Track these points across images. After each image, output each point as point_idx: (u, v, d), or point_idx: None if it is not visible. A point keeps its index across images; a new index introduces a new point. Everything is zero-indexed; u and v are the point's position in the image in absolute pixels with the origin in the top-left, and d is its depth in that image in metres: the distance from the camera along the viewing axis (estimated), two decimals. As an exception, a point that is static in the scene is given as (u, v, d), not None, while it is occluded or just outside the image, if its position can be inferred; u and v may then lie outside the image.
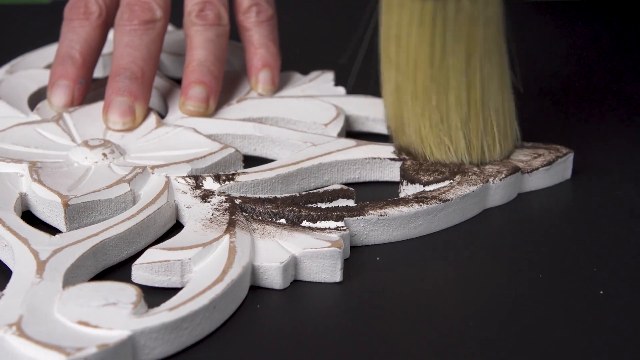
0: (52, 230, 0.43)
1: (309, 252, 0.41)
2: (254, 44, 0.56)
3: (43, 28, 0.74)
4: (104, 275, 0.42)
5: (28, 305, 0.37)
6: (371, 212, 0.44)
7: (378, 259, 0.44)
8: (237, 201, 0.45)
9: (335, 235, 0.42)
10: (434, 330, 0.39)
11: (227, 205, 0.44)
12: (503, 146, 0.49)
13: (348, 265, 0.43)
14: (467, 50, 0.45)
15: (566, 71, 0.65)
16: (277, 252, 0.41)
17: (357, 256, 0.44)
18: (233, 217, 0.43)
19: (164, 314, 0.37)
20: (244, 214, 0.44)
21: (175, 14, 0.56)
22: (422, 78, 0.46)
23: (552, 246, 0.45)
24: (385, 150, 0.50)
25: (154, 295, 0.40)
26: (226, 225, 0.43)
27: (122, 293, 0.37)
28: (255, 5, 0.56)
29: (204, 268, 0.40)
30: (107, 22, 0.55)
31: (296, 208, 0.44)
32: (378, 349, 0.38)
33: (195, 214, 0.44)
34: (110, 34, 0.58)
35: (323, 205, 0.45)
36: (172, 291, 0.40)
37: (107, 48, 0.60)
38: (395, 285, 0.42)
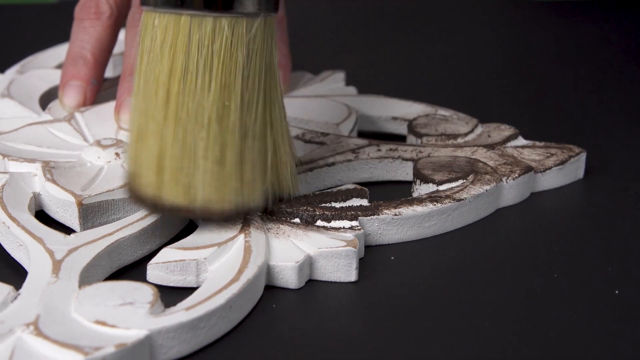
0: (65, 230, 0.43)
1: (324, 252, 0.41)
2: None
3: (51, 28, 0.74)
4: (118, 275, 0.42)
5: (45, 305, 0.37)
6: (385, 211, 0.44)
7: (392, 258, 0.44)
8: (251, 201, 0.44)
9: (350, 235, 0.42)
10: (450, 329, 0.39)
11: (241, 204, 0.44)
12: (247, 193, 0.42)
13: (362, 264, 0.43)
14: (223, 79, 0.40)
15: (576, 70, 0.65)
16: (292, 251, 0.41)
17: (371, 256, 0.44)
18: (247, 216, 0.43)
19: (180, 313, 0.37)
20: (258, 213, 0.44)
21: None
22: (171, 107, 0.40)
23: (566, 246, 0.45)
24: (399, 149, 0.50)
25: (169, 295, 0.40)
26: (241, 224, 0.43)
27: (139, 292, 0.37)
28: None
29: (219, 267, 0.40)
30: (118, 22, 0.55)
31: (310, 207, 0.44)
32: (394, 348, 0.38)
33: (210, 213, 0.44)
34: (121, 34, 0.58)
35: (337, 205, 0.45)
36: (186, 291, 0.40)
37: (117, 48, 0.60)
38: (410, 285, 0.42)
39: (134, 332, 0.36)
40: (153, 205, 0.41)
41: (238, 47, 0.39)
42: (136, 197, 0.42)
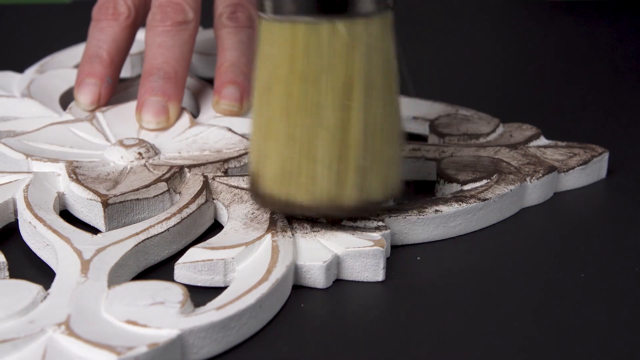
0: (90, 230, 0.43)
1: (352, 251, 0.41)
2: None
3: (65, 27, 0.74)
4: (145, 274, 0.42)
5: (75, 305, 0.37)
6: (411, 211, 0.44)
7: (419, 258, 0.43)
8: (277, 200, 0.44)
9: (377, 234, 0.42)
10: (478, 329, 0.39)
11: (266, 204, 0.44)
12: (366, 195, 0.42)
13: (389, 264, 0.42)
14: (343, 80, 0.40)
15: (595, 70, 0.65)
16: (319, 251, 0.41)
17: (397, 255, 0.43)
18: (273, 216, 0.43)
19: (211, 313, 0.37)
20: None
21: (203, 14, 0.56)
22: (292, 110, 0.40)
23: (592, 246, 0.45)
24: (422, 149, 0.50)
25: (195, 294, 0.39)
26: (267, 224, 0.43)
27: (169, 292, 0.37)
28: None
29: (247, 267, 0.40)
30: (136, 23, 0.55)
31: (336, 207, 0.44)
32: (422, 347, 0.38)
33: (235, 213, 0.44)
34: (140, 34, 0.58)
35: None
36: (213, 290, 0.40)
37: (135, 48, 0.60)
38: (437, 285, 0.42)
39: (165, 332, 0.35)
40: (277, 205, 0.42)
41: (356, 48, 0.39)
42: (260, 196, 0.42)
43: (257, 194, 0.43)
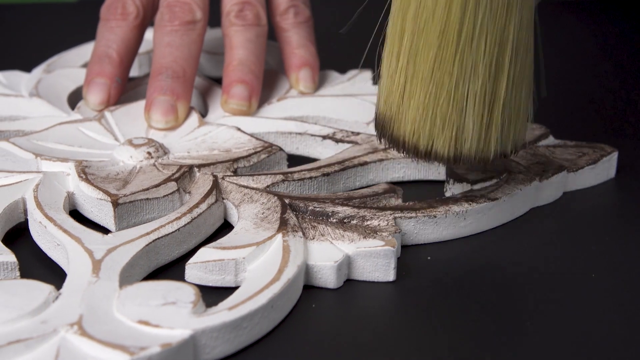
0: (99, 229, 0.43)
1: (363, 251, 0.41)
2: (292, 44, 0.56)
3: (71, 27, 0.74)
4: (155, 274, 0.42)
5: (87, 305, 0.37)
6: (421, 211, 0.44)
7: (429, 258, 0.43)
8: (287, 200, 0.44)
9: (387, 234, 0.42)
10: (490, 329, 0.39)
11: (276, 204, 0.44)
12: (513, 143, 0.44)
13: (399, 264, 0.42)
14: (499, 36, 0.41)
15: (602, 69, 0.65)
16: (330, 251, 0.41)
17: (407, 255, 0.43)
18: (284, 216, 0.43)
19: (224, 313, 0.37)
20: (294, 212, 0.44)
21: (210, 13, 0.56)
22: (444, 60, 0.41)
23: (602, 245, 0.45)
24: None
25: (205, 294, 0.39)
26: (277, 224, 0.43)
27: (181, 292, 0.37)
28: (292, 7, 0.56)
29: (258, 267, 0.40)
30: (144, 22, 0.55)
31: (346, 207, 0.44)
32: (433, 347, 0.38)
33: (245, 213, 0.44)
34: (148, 34, 0.58)
35: (371, 204, 0.45)
36: (222, 290, 0.40)
37: (143, 47, 0.60)
38: (448, 285, 0.42)
39: (178, 332, 0.35)
40: (416, 153, 0.43)
41: (512, 8, 0.40)
42: (394, 141, 0.43)
43: (391, 138, 0.43)
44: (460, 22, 0.40)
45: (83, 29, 0.64)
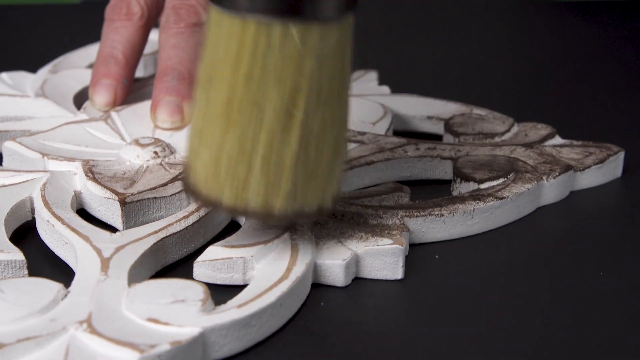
0: (107, 228, 0.43)
1: (371, 250, 0.41)
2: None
3: (75, 28, 0.74)
4: (163, 273, 0.42)
5: (96, 303, 0.37)
6: (429, 209, 0.44)
7: (437, 257, 0.43)
8: (294, 199, 0.44)
9: (396, 233, 0.42)
10: (498, 328, 0.39)
11: (284, 203, 0.44)
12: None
13: (407, 262, 0.42)
14: (290, 85, 0.37)
15: (607, 69, 0.65)
16: (338, 249, 0.41)
17: (415, 254, 0.43)
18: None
19: (233, 311, 0.37)
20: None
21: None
22: (233, 108, 0.38)
23: (609, 244, 0.45)
24: (437, 148, 0.50)
25: (213, 293, 0.39)
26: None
27: (190, 290, 0.37)
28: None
29: (266, 265, 0.40)
30: (149, 23, 0.55)
31: (354, 206, 0.44)
32: (441, 346, 0.38)
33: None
34: (153, 35, 0.58)
35: (379, 203, 0.45)
36: (230, 288, 0.40)
37: (148, 48, 0.60)
38: (456, 283, 0.42)
39: (187, 330, 0.35)
40: (206, 201, 0.40)
41: (308, 54, 0.37)
42: (190, 189, 0.40)
43: (187, 186, 0.40)
44: (250, 62, 0.37)
45: (87, 29, 0.65)
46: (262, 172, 0.38)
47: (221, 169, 0.39)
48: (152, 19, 0.56)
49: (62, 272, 0.41)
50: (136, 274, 0.40)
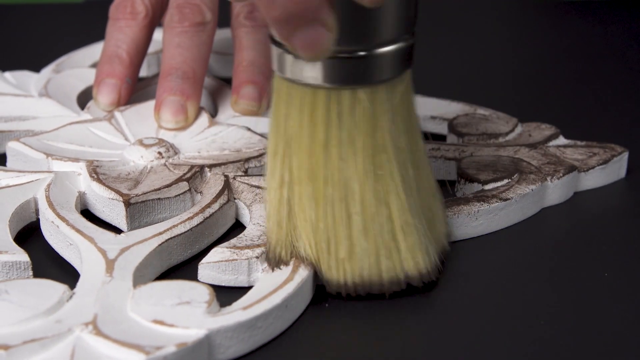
0: (110, 229, 0.43)
1: (376, 251, 0.41)
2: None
3: (77, 27, 0.74)
4: (167, 274, 0.42)
5: (101, 304, 0.37)
6: (433, 210, 0.44)
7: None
8: (299, 200, 0.44)
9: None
10: (502, 328, 0.39)
11: (289, 204, 0.44)
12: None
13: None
14: (371, 147, 0.38)
15: (610, 69, 0.65)
16: (343, 250, 0.41)
17: (419, 255, 0.43)
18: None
19: (238, 312, 0.37)
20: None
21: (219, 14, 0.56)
22: (317, 180, 0.38)
23: (614, 245, 0.45)
24: (441, 149, 0.50)
25: (217, 294, 0.39)
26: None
27: (195, 292, 0.37)
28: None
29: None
30: (153, 22, 0.55)
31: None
32: (445, 346, 0.38)
33: (257, 212, 0.44)
34: (156, 34, 0.58)
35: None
36: (235, 290, 0.40)
37: (152, 47, 0.59)
38: (461, 284, 0.42)
39: (193, 332, 0.35)
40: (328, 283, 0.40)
41: (380, 114, 0.38)
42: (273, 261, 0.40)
43: (269, 259, 0.40)
44: (324, 141, 0.38)
45: (89, 29, 0.64)
46: (363, 242, 0.38)
47: (321, 245, 0.39)
48: (156, 18, 0.56)
49: (67, 273, 0.41)
50: (141, 276, 0.40)
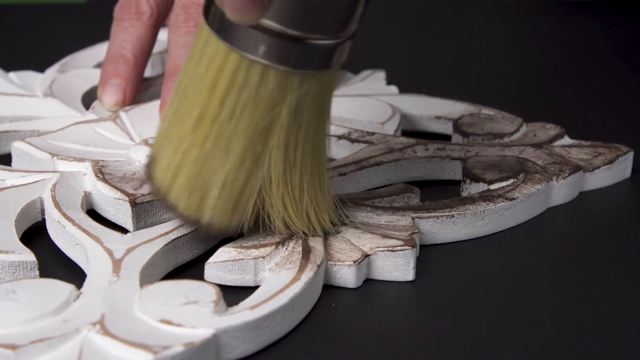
0: (116, 229, 0.43)
1: (382, 251, 0.41)
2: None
3: (80, 27, 0.74)
4: (174, 274, 0.42)
5: (108, 304, 0.37)
6: (439, 211, 0.44)
7: (448, 257, 0.43)
8: (305, 200, 0.44)
9: (406, 234, 0.42)
10: (509, 328, 0.39)
11: (294, 203, 0.44)
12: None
13: (418, 264, 0.42)
14: (261, 125, 0.38)
15: (614, 69, 0.65)
16: (349, 251, 0.41)
17: (425, 255, 0.43)
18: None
19: (245, 312, 0.37)
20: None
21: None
22: (200, 120, 0.39)
23: (619, 245, 0.45)
24: (447, 149, 0.50)
25: (224, 294, 0.39)
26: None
27: (202, 291, 0.37)
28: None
29: (278, 267, 0.40)
30: (158, 22, 0.55)
31: (364, 207, 0.44)
32: (452, 347, 0.38)
33: (264, 212, 0.44)
34: (161, 34, 0.58)
35: (389, 204, 0.45)
36: (241, 290, 0.40)
37: (156, 47, 0.59)
38: (467, 284, 0.42)
39: (200, 331, 0.35)
40: (162, 200, 0.41)
41: (284, 100, 0.38)
42: (150, 180, 0.42)
43: (149, 177, 0.41)
44: (225, 92, 0.38)
45: (93, 29, 0.65)
46: (216, 196, 0.39)
47: (180, 180, 0.40)
48: (161, 18, 0.55)
49: (73, 273, 0.41)
50: (148, 275, 0.40)
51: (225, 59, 0.38)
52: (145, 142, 0.48)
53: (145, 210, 0.44)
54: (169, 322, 0.36)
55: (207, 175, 0.39)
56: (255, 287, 0.40)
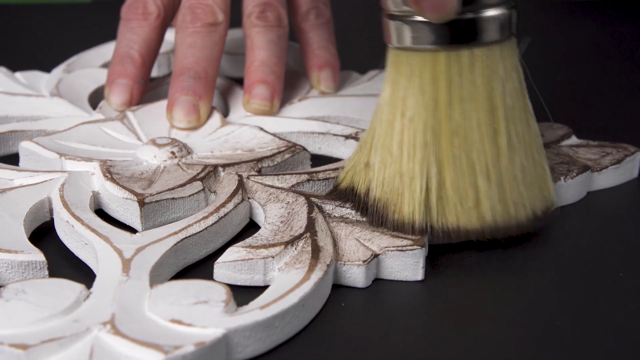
0: (125, 228, 0.43)
1: (391, 251, 0.41)
2: (313, 45, 0.56)
3: (86, 27, 0.74)
4: (183, 274, 0.42)
5: (119, 304, 0.37)
6: (448, 210, 0.44)
7: (457, 257, 0.43)
8: (314, 199, 0.44)
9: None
10: (520, 328, 0.39)
11: (303, 203, 0.44)
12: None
13: (427, 263, 0.42)
14: (488, 104, 0.41)
15: (621, 69, 0.65)
16: (358, 250, 0.41)
17: (434, 254, 0.43)
18: (311, 215, 0.43)
19: (256, 312, 0.37)
20: (321, 212, 0.44)
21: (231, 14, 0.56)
22: (434, 132, 0.41)
23: (628, 245, 0.45)
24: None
25: (233, 294, 0.39)
26: (305, 223, 0.42)
27: (212, 291, 0.37)
28: (314, 9, 0.57)
29: (287, 266, 0.40)
30: (165, 22, 0.55)
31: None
32: (462, 346, 0.38)
33: (272, 212, 0.44)
34: (168, 34, 0.58)
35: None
36: (251, 289, 0.40)
37: (162, 48, 0.59)
38: (476, 283, 0.42)
39: (211, 331, 0.35)
40: (436, 234, 0.42)
41: (495, 72, 0.41)
42: (401, 225, 0.42)
43: (395, 223, 0.42)
44: (446, 101, 0.41)
45: (98, 29, 0.65)
46: (488, 190, 0.41)
47: (444, 196, 0.41)
48: (168, 19, 0.56)
49: (82, 273, 0.41)
50: (157, 275, 0.40)
51: (434, 62, 0.40)
52: (153, 141, 0.48)
53: (154, 210, 0.44)
54: (179, 322, 0.36)
55: (468, 180, 0.41)
56: (265, 287, 0.40)
